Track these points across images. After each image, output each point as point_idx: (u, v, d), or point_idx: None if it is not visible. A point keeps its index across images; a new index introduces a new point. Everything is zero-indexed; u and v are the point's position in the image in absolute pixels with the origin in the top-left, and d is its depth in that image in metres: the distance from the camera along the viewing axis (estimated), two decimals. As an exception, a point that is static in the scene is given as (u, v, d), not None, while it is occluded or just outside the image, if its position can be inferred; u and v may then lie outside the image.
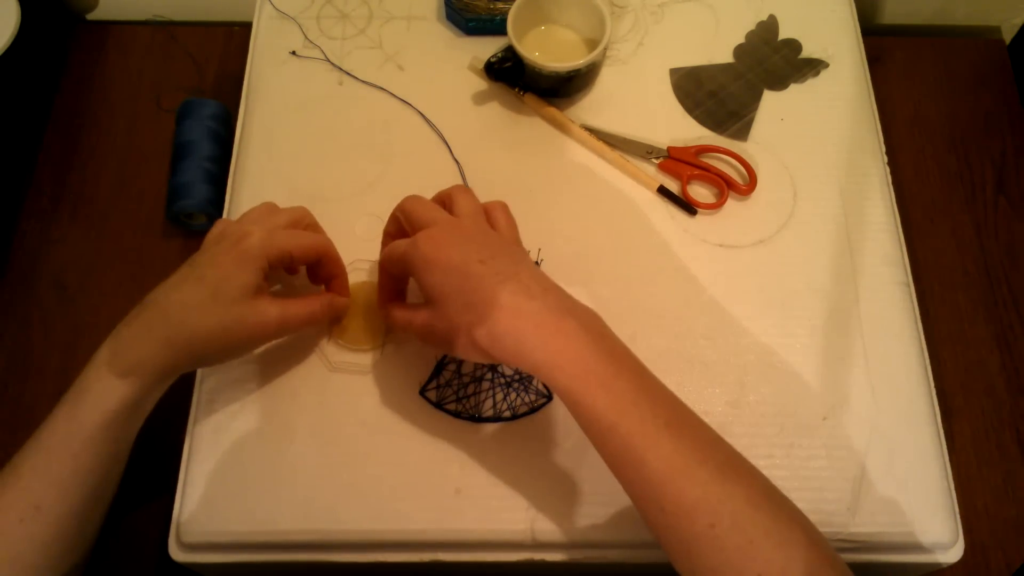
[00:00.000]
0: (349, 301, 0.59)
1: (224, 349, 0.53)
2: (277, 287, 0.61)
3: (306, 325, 0.56)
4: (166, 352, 0.50)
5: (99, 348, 0.51)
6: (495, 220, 0.53)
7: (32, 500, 0.48)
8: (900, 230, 0.65)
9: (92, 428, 0.49)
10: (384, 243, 0.57)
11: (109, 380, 0.49)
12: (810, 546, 0.43)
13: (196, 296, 0.50)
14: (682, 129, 0.69)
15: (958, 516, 0.55)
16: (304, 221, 0.58)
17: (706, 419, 0.58)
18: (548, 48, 0.69)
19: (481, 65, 0.69)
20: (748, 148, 0.68)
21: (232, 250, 0.52)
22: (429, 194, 0.63)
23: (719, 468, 0.44)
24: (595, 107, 0.70)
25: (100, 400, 0.49)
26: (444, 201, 0.54)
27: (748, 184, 0.65)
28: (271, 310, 0.52)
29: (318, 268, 0.58)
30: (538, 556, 0.55)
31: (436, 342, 0.51)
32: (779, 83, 0.71)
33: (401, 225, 0.54)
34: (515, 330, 0.46)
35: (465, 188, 0.54)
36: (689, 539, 0.43)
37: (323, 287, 0.59)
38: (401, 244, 0.51)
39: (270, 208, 0.57)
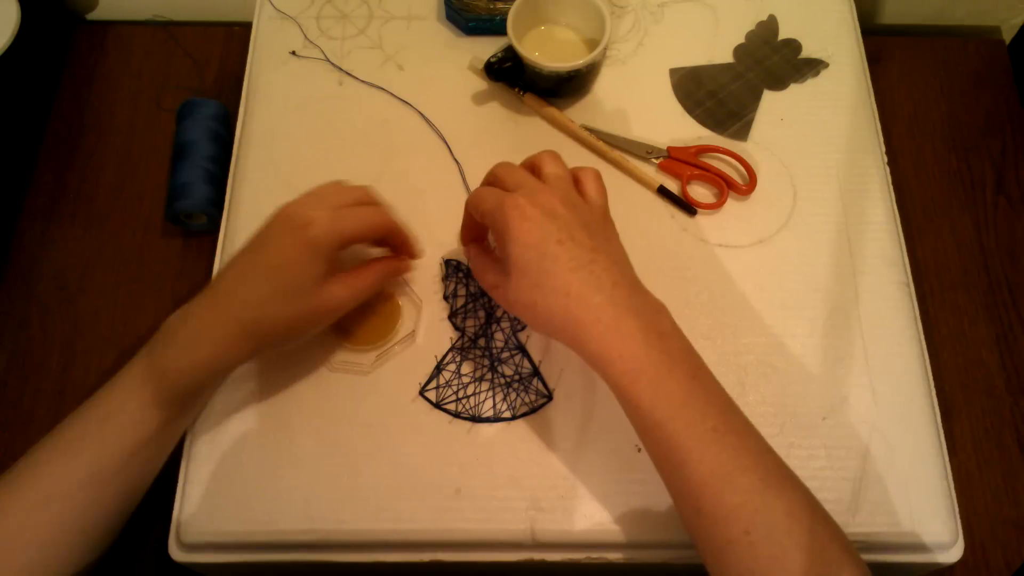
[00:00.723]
0: (410, 263, 0.60)
1: (300, 334, 0.54)
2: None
3: (372, 293, 0.57)
4: (245, 342, 0.51)
5: (164, 335, 0.52)
6: (584, 188, 0.53)
7: (95, 468, 0.50)
8: (900, 230, 0.65)
9: (167, 413, 0.51)
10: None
11: (183, 368, 0.50)
12: (846, 564, 0.43)
13: (269, 289, 0.51)
14: (682, 129, 0.69)
15: (958, 516, 0.55)
16: (367, 201, 0.57)
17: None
18: (548, 48, 0.69)
19: (481, 65, 0.69)
20: (748, 148, 0.68)
21: (300, 238, 0.51)
22: (431, 193, 0.63)
23: (762, 478, 0.44)
24: (595, 107, 0.70)
25: (174, 386, 0.51)
26: (533, 166, 0.54)
27: (748, 184, 0.65)
28: (341, 292, 0.53)
29: (384, 243, 0.58)
30: (538, 556, 0.55)
31: (501, 303, 0.53)
32: (779, 83, 0.71)
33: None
34: (576, 320, 0.47)
35: (554, 153, 0.54)
36: (723, 544, 0.44)
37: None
38: (490, 197, 0.51)
39: (336, 188, 0.55)
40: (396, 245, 0.59)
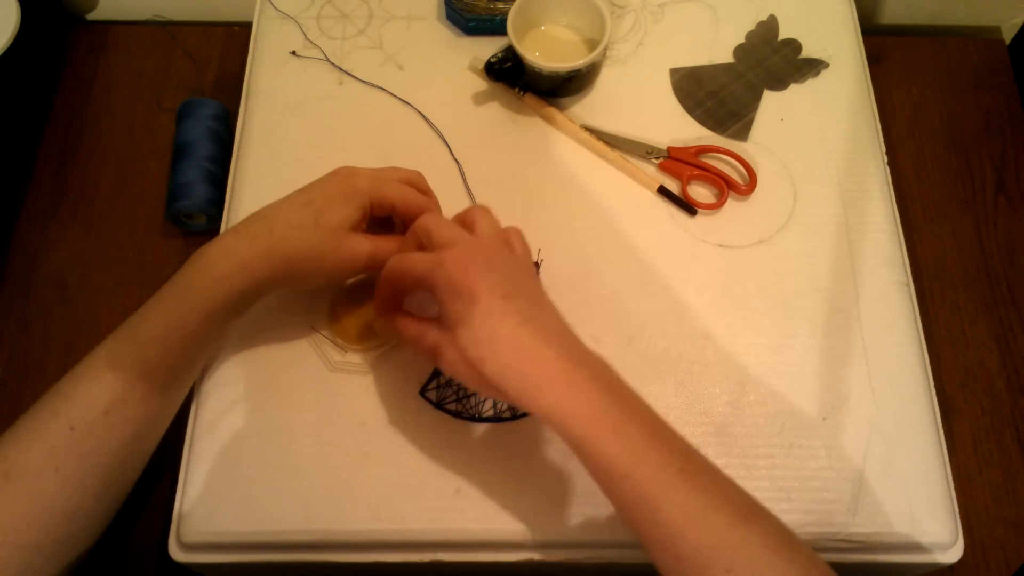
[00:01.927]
0: None
1: (315, 271, 0.55)
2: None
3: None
4: (265, 261, 0.53)
5: (191, 259, 0.53)
6: (512, 244, 0.53)
7: (119, 394, 0.51)
8: (900, 230, 0.65)
9: (194, 324, 0.52)
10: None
11: (213, 279, 0.52)
12: None
13: (300, 217, 0.53)
14: (682, 129, 0.69)
15: (958, 516, 0.55)
16: (418, 184, 0.59)
17: (705, 419, 0.58)
18: (548, 48, 0.69)
19: (481, 65, 0.69)
20: (748, 148, 0.68)
21: (341, 184, 0.55)
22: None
23: (735, 514, 0.44)
24: (595, 107, 0.70)
25: (206, 297, 0.52)
26: (464, 221, 0.53)
27: (748, 184, 0.65)
28: (364, 245, 0.55)
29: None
30: (538, 556, 0.55)
31: (443, 365, 0.49)
32: (779, 83, 0.71)
33: (420, 243, 0.53)
34: (529, 375, 0.46)
35: (485, 209, 0.54)
36: None
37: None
38: (420, 261, 0.50)
39: (390, 167, 0.59)
40: None
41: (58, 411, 0.50)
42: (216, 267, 0.52)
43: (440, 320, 0.49)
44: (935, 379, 0.60)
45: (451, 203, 0.60)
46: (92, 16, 0.87)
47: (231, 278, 0.52)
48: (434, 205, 0.59)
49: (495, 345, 0.46)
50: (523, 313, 0.47)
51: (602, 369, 0.48)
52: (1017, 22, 0.86)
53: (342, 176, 0.56)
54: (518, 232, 0.54)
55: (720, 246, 0.64)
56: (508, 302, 0.47)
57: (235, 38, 0.83)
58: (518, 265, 0.51)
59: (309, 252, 0.53)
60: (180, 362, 0.54)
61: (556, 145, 0.68)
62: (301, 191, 0.56)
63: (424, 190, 0.60)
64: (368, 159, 0.67)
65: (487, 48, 0.70)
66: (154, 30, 0.84)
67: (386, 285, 0.54)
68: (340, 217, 0.54)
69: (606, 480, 0.46)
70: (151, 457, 0.55)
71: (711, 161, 0.67)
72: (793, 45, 0.72)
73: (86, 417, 0.50)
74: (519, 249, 0.53)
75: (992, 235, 0.75)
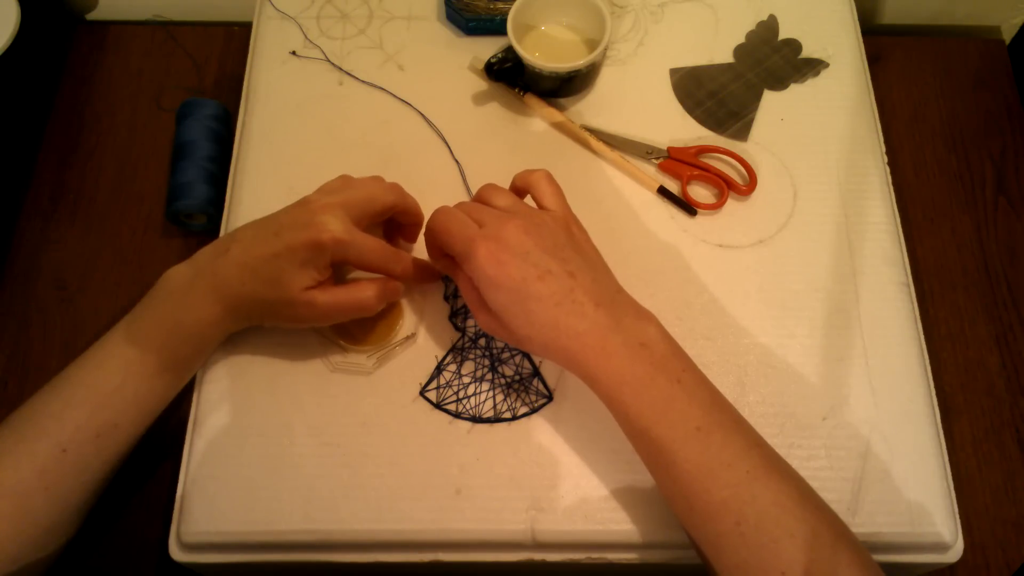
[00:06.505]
0: (401, 286, 0.59)
1: (278, 321, 0.57)
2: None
3: (357, 313, 0.57)
4: (240, 307, 0.55)
5: (185, 296, 0.54)
6: (540, 197, 0.55)
7: (111, 418, 0.53)
8: (900, 230, 0.65)
9: (186, 357, 0.55)
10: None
11: (205, 323, 0.55)
12: (839, 548, 0.45)
13: (267, 272, 0.54)
14: (682, 129, 0.69)
15: (958, 516, 0.55)
16: (395, 205, 0.58)
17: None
18: (548, 48, 0.69)
19: (481, 65, 0.69)
20: (748, 148, 0.68)
21: (308, 237, 0.53)
22: (431, 194, 0.63)
23: (748, 471, 0.46)
24: (595, 107, 0.70)
25: (198, 336, 0.55)
26: (482, 202, 0.55)
27: (748, 184, 0.65)
28: (321, 300, 0.55)
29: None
30: (538, 556, 0.55)
31: (499, 337, 0.54)
32: (779, 83, 0.71)
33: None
34: (566, 349, 0.50)
35: (493, 185, 0.56)
36: (715, 536, 0.46)
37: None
38: (458, 240, 0.51)
39: (369, 196, 0.56)
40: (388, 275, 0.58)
41: (49, 432, 0.51)
42: (207, 311, 0.54)
43: (483, 299, 0.52)
44: (935, 379, 0.60)
45: (450, 203, 0.59)
46: (92, 16, 0.87)
47: (218, 323, 0.55)
48: (398, 268, 0.57)
49: (535, 327, 0.50)
50: (557, 292, 0.49)
51: (637, 331, 0.50)
52: (1017, 22, 0.86)
53: (311, 229, 0.53)
54: (544, 179, 0.55)
55: (720, 246, 0.64)
56: (542, 284, 0.49)
57: (235, 38, 0.83)
58: (547, 231, 0.51)
59: (270, 307, 0.55)
60: (171, 390, 0.56)
61: (556, 145, 0.68)
62: (276, 231, 0.54)
63: (399, 207, 0.58)
64: (368, 159, 0.67)
65: (487, 48, 0.70)
66: (154, 30, 0.84)
67: (430, 241, 0.56)
68: (300, 278, 0.54)
69: (629, 435, 0.50)
70: (150, 457, 0.55)
71: (711, 161, 0.67)
72: (793, 45, 0.72)
73: (77, 440, 0.51)
74: (548, 200, 0.55)
75: (992, 235, 0.75)
